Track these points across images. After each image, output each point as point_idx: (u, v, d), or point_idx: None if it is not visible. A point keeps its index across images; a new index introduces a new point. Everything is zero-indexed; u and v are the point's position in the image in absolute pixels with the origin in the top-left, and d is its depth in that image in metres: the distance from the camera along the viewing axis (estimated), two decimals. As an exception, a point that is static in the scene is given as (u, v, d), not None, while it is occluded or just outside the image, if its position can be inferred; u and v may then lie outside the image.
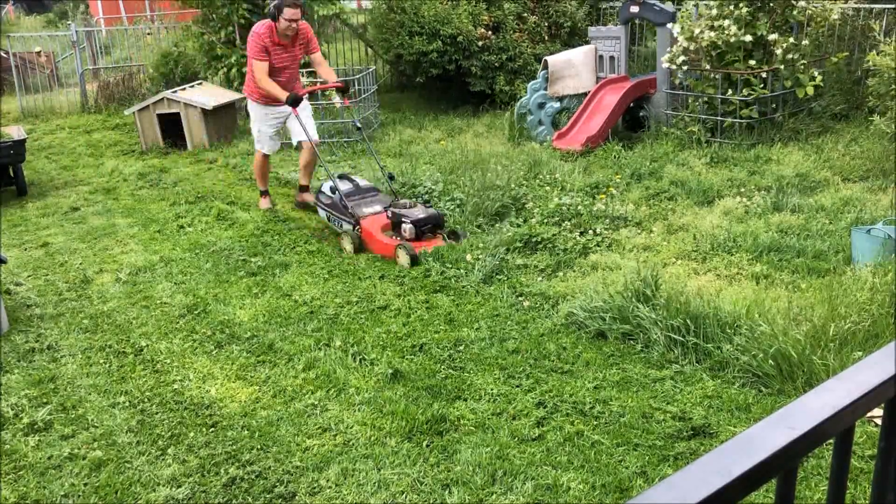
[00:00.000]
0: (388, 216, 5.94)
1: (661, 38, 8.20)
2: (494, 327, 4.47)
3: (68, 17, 20.69)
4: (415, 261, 5.49)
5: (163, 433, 3.63)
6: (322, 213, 6.50)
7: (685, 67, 7.56)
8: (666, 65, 7.72)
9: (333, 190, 6.30)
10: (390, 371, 3.99)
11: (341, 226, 6.20)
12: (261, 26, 6.39)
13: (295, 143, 6.95)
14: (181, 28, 12.34)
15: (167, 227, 6.75)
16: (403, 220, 5.78)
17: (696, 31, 7.41)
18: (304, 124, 6.50)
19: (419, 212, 5.86)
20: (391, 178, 6.55)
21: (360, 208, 6.10)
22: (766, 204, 6.00)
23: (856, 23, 8.38)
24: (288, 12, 6.20)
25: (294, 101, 6.28)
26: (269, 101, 6.61)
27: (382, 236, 5.83)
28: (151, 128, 9.49)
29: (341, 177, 6.50)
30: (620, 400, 3.64)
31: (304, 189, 7.08)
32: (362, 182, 6.47)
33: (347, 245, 5.93)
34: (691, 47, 7.52)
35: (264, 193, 7.10)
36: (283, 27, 6.28)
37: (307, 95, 6.80)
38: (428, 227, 5.80)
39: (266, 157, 6.95)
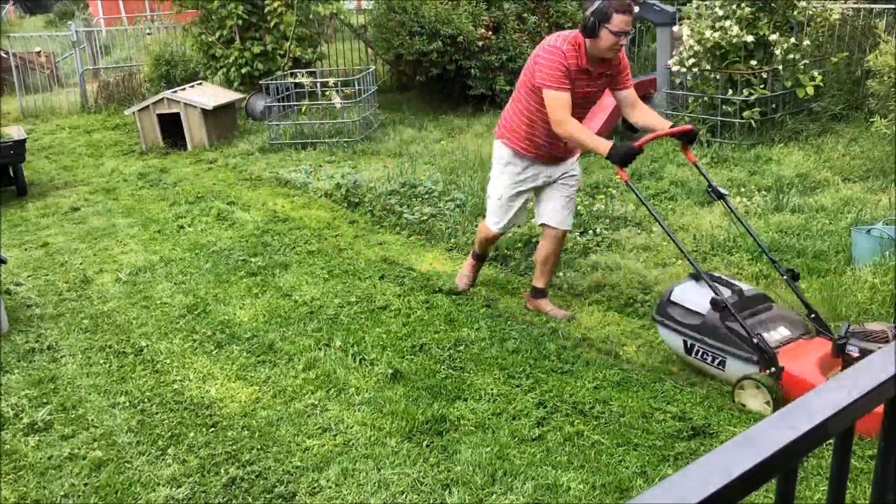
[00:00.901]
0: (837, 345, 3.39)
1: (662, 39, 8.20)
2: (494, 327, 4.47)
3: (72, 17, 20.70)
4: None
5: (163, 433, 3.63)
6: (672, 340, 3.90)
7: (695, 69, 7.53)
8: (675, 67, 7.69)
9: (718, 304, 3.63)
10: (390, 371, 3.99)
11: (722, 364, 3.67)
12: (563, 41, 4.19)
13: (539, 223, 4.76)
14: (181, 28, 12.35)
15: (167, 227, 6.75)
16: None
17: (707, 32, 7.39)
18: (563, 203, 4.54)
19: None
20: (795, 277, 3.85)
21: (765, 333, 3.57)
22: (767, 204, 6.00)
23: (856, 23, 8.38)
24: (619, 20, 4.02)
25: (624, 159, 4.05)
26: (541, 155, 4.52)
27: None
28: (151, 128, 9.49)
29: (709, 276, 3.83)
30: (620, 400, 3.64)
31: (539, 294, 4.73)
32: (745, 287, 3.81)
33: (755, 402, 3.43)
34: (699, 48, 7.49)
35: (477, 258, 5.03)
36: (607, 44, 4.08)
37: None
38: None
39: (496, 235, 4.83)
